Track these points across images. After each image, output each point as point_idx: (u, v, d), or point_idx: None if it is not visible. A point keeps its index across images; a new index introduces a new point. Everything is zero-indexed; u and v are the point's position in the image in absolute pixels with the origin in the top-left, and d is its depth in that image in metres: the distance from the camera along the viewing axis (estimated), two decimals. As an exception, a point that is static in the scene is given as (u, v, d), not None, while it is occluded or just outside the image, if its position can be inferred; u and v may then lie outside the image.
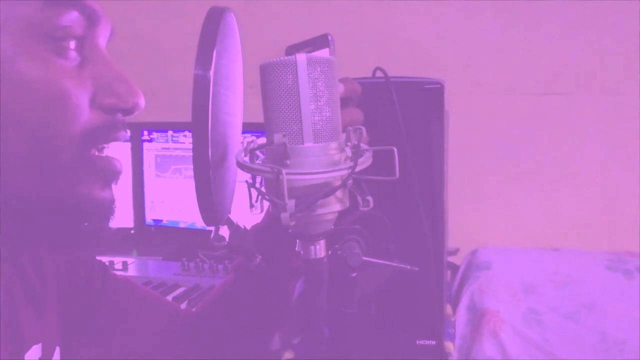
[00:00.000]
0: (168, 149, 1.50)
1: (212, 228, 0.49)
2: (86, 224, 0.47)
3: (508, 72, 1.47)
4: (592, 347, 1.14)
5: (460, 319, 1.23)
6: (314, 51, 0.62)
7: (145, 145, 1.52)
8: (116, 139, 0.48)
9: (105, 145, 0.48)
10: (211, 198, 0.40)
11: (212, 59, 0.39)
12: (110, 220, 0.48)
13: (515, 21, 1.45)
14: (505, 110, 1.48)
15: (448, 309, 1.18)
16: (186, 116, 1.46)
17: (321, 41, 0.63)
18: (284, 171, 0.41)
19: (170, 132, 1.49)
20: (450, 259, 1.42)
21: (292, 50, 0.65)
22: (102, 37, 0.48)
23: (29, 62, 0.42)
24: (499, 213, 1.50)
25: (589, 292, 1.23)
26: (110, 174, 0.48)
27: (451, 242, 1.33)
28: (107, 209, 0.48)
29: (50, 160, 0.44)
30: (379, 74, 0.76)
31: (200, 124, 0.38)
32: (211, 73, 0.38)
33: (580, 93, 1.44)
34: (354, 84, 0.58)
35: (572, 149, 1.45)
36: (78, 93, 0.45)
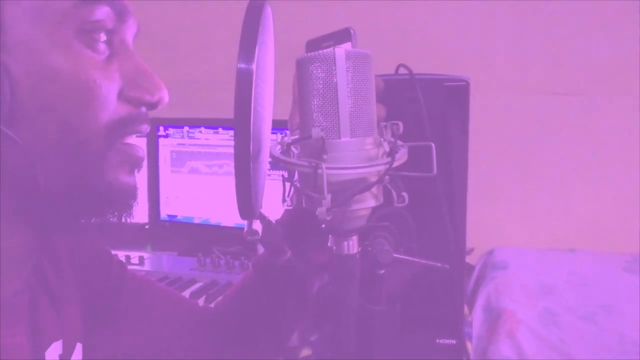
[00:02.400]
0: (184, 144, 1.50)
1: (245, 223, 0.49)
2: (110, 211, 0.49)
3: (525, 72, 1.46)
4: (610, 348, 1.13)
5: (477, 318, 1.22)
6: (335, 45, 0.62)
7: (161, 140, 1.52)
8: (139, 132, 0.51)
9: (129, 137, 0.50)
10: (250, 192, 0.40)
11: (254, 53, 0.38)
12: (134, 205, 0.50)
13: (533, 21, 1.44)
14: (523, 110, 1.47)
15: (464, 308, 1.17)
16: (201, 112, 1.44)
17: (343, 35, 0.61)
18: (323, 165, 0.41)
19: (186, 128, 1.50)
20: (466, 258, 1.41)
21: (312, 44, 0.64)
22: (129, 34, 0.50)
23: (61, 53, 0.44)
24: (515, 213, 1.49)
25: (606, 294, 1.22)
26: (134, 160, 0.51)
27: (466, 242, 1.31)
28: (132, 194, 0.50)
29: (80, 149, 0.46)
30: (401, 70, 0.75)
31: (243, 118, 0.38)
32: (254, 67, 0.38)
33: (598, 93, 1.43)
34: (376, 80, 0.58)
35: (589, 150, 1.44)
36: (106, 85, 0.47)
